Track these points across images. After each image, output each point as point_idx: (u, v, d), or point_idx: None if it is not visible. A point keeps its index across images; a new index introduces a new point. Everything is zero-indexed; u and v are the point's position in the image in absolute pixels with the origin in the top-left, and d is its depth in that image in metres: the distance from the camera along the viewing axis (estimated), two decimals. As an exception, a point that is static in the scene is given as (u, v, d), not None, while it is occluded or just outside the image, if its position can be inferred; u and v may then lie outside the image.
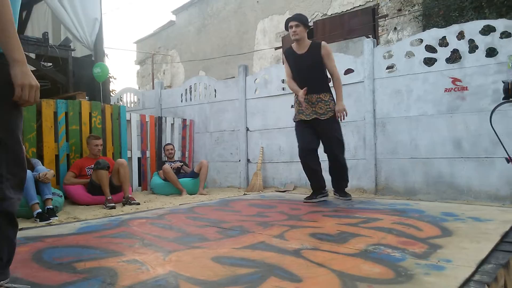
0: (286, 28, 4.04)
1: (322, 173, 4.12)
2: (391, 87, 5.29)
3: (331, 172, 4.17)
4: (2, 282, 1.49)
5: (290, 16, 4.17)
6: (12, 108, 1.51)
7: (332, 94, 4.07)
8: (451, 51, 4.92)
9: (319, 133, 4.02)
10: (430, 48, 5.07)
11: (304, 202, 4.03)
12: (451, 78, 4.85)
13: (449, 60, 4.95)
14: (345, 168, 4.15)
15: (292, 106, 6.15)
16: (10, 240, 1.50)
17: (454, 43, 4.88)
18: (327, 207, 3.78)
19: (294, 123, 4.17)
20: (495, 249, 2.16)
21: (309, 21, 4.04)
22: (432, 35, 5.08)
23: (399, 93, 5.23)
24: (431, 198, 4.67)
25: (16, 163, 1.53)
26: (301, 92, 3.85)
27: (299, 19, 3.95)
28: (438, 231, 2.65)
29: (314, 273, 1.84)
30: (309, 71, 3.98)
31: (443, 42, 5.02)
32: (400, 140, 5.19)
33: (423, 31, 6.54)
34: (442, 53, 4.95)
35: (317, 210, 3.64)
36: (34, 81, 1.48)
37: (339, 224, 2.93)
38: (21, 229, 3.13)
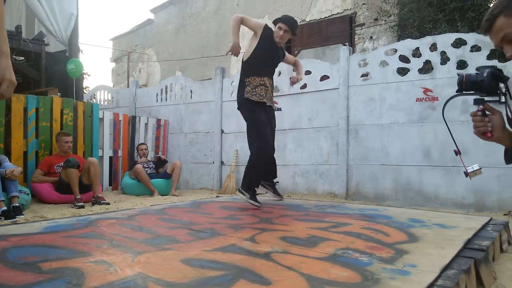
0: (275, 23, 3.96)
1: None
2: (365, 95, 5.40)
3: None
4: None
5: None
6: None
7: None
8: (423, 62, 5.06)
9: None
10: (404, 58, 5.20)
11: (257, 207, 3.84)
12: (423, 88, 4.99)
13: (421, 71, 5.09)
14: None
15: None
16: None
17: (427, 54, 5.03)
18: (299, 211, 3.81)
19: (249, 104, 3.89)
20: (458, 255, 2.23)
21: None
22: (406, 46, 5.21)
23: (373, 101, 5.34)
24: (399, 204, 4.78)
25: None
26: (235, 48, 3.86)
27: (293, 27, 3.91)
28: (405, 236, 2.71)
29: (283, 276, 1.86)
30: (275, 60, 4.06)
31: (417, 53, 5.16)
32: (372, 146, 5.29)
33: (398, 41, 6.70)
34: (415, 64, 5.09)
35: (288, 214, 3.67)
36: (14, 77, 1.45)
37: (309, 228, 2.96)
38: (-17, 227, 3.04)
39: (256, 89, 3.81)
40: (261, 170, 3.96)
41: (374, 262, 2.08)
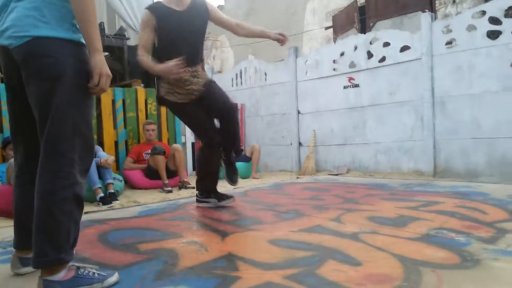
0: None
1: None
2: (451, 64, 5.00)
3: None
4: (71, 263, 1.57)
5: None
6: (88, 96, 1.59)
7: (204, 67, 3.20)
8: (518, 22, 4.55)
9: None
10: (493, 21, 4.71)
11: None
12: (519, 51, 4.50)
13: (516, 32, 4.58)
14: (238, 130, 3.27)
15: (344, 87, 6.03)
16: (77, 222, 1.59)
17: (522, 13, 4.51)
18: (384, 190, 3.68)
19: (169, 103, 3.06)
20: None
21: None
22: (496, 6, 4.71)
23: (460, 70, 4.93)
24: (495, 181, 4.40)
25: (87, 149, 1.61)
26: (174, 64, 2.64)
27: None
28: (505, 214, 2.50)
29: (374, 257, 1.80)
30: (193, 35, 2.93)
31: (509, 13, 4.65)
32: (461, 119, 4.91)
33: (485, 2, 6.10)
34: (508, 25, 4.59)
35: (373, 193, 3.56)
36: (109, 71, 1.57)
37: (397, 207, 2.84)
38: (86, 212, 3.32)
39: (173, 87, 2.94)
40: (212, 172, 3.31)
41: (472, 242, 1.94)
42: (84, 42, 1.55)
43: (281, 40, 3.09)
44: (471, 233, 2.09)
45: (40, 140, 1.53)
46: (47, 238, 1.47)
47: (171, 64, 2.63)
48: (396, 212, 2.69)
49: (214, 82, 3.13)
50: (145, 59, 2.79)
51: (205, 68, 3.21)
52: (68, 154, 1.51)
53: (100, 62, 1.53)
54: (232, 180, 3.25)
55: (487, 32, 4.75)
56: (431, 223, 2.33)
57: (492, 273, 1.57)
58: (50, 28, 1.48)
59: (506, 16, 4.64)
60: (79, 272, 1.57)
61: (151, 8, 2.91)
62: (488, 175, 4.64)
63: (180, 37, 2.87)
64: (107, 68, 1.56)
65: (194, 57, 2.94)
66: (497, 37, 4.69)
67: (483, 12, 4.83)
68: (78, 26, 1.53)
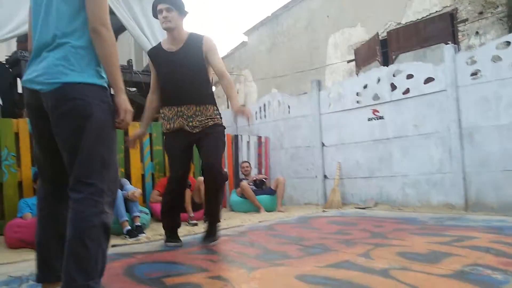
0: (155, 15, 3.07)
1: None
2: (477, 95, 4.93)
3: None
4: None
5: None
6: (114, 132, 1.76)
7: (218, 108, 3.17)
8: (545, 52, 4.49)
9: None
10: (520, 51, 4.67)
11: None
12: (548, 80, 4.41)
13: (543, 62, 4.51)
14: (220, 196, 3.18)
15: (369, 119, 6.01)
16: (104, 251, 1.66)
17: (548, 43, 4.46)
18: (414, 225, 3.58)
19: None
20: None
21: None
22: (522, 37, 4.68)
23: (487, 101, 4.86)
24: (531, 214, 4.23)
25: (114, 182, 1.74)
26: (132, 139, 3.14)
27: (171, 1, 2.95)
28: (545, 250, 2.39)
29: (407, 295, 1.74)
30: (186, 73, 2.99)
31: (535, 43, 4.61)
32: (491, 150, 4.79)
33: (509, 33, 6.06)
34: (535, 55, 4.53)
35: (402, 227, 3.47)
36: (130, 107, 1.77)
37: (429, 242, 2.76)
38: (113, 245, 3.35)
39: (165, 119, 3.15)
40: (165, 211, 3.18)
41: (510, 280, 1.85)
42: (106, 86, 1.74)
43: (239, 116, 2.99)
44: (509, 270, 2.00)
45: (69, 173, 1.65)
46: (76, 264, 1.53)
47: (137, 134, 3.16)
48: (427, 247, 2.60)
49: (215, 133, 3.03)
50: (147, 103, 3.22)
51: (213, 106, 3.11)
52: (98, 184, 1.63)
53: (124, 100, 1.73)
54: (206, 240, 3.14)
55: (513, 62, 4.69)
56: (465, 259, 2.25)
57: (534, 313, 1.49)
58: (78, 74, 1.66)
59: (532, 46, 4.60)
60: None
61: (149, 52, 3.18)
62: (523, 209, 4.46)
63: (172, 78, 3.00)
64: (129, 105, 1.76)
65: (188, 96, 3.00)
66: (523, 67, 4.63)
67: (508, 43, 4.80)
68: (100, 72, 1.72)
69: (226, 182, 6.71)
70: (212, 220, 3.18)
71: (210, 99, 3.10)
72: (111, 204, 1.70)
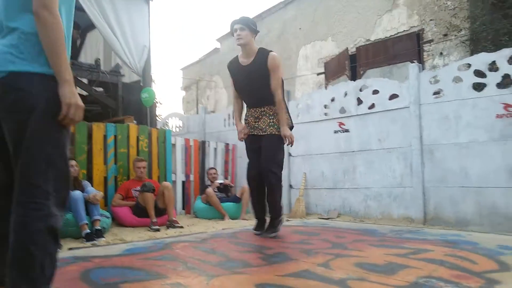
0: (232, 33, 3.62)
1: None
2: (439, 113, 5.13)
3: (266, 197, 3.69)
4: None
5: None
6: (61, 127, 1.58)
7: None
8: (502, 76, 4.73)
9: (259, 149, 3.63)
10: (479, 73, 4.90)
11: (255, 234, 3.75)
12: (503, 104, 4.64)
13: (500, 86, 4.75)
14: (275, 193, 3.59)
15: (335, 132, 6.12)
16: (53, 256, 1.54)
17: (504, 68, 4.69)
18: (374, 236, 3.66)
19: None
20: (560, 288, 2.00)
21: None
22: (481, 60, 4.91)
23: (447, 119, 5.05)
24: (485, 230, 4.41)
25: (62, 181, 1.59)
26: (239, 134, 3.75)
27: (244, 21, 3.53)
28: (495, 265, 2.49)
29: (362, 305, 1.77)
30: (254, 83, 3.55)
31: (493, 67, 4.84)
32: (450, 168, 4.98)
33: (471, 55, 6.34)
34: (493, 78, 4.76)
35: (362, 239, 3.53)
36: (80, 102, 1.58)
37: (386, 254, 2.82)
38: (70, 248, 3.25)
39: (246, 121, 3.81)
40: (253, 198, 3.87)
41: (461, 293, 1.92)
42: (50, 75, 1.56)
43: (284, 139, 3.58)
44: (460, 283, 2.08)
45: (15, 172, 1.52)
46: (20, 272, 1.44)
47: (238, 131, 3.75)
48: (385, 259, 2.66)
49: (273, 136, 3.55)
50: (234, 107, 3.89)
51: (266, 112, 3.62)
52: (42, 185, 1.50)
53: (69, 92, 1.54)
54: (267, 232, 3.64)
55: (473, 84, 4.92)
56: (420, 271, 2.32)
57: (481, 325, 1.55)
58: (27, 63, 1.52)
59: (490, 70, 4.83)
60: (57, 311, 1.51)
61: (228, 65, 3.81)
62: (478, 224, 4.65)
63: (244, 87, 3.68)
64: (78, 99, 1.57)
65: (256, 101, 3.62)
66: (482, 89, 4.85)
67: (469, 65, 5.02)
68: (44, 60, 1.55)
69: (192, 188, 6.67)
70: (274, 216, 3.63)
71: (272, 101, 3.57)
72: (61, 205, 1.57)
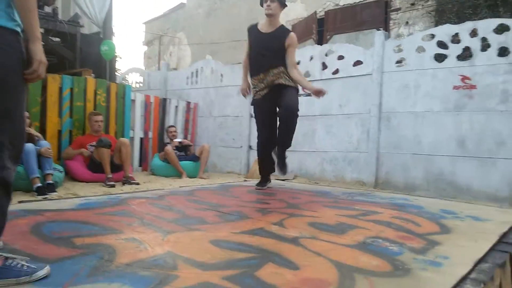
0: (261, 3, 3.93)
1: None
2: (399, 82, 5.25)
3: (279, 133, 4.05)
4: (1, 253, 1.50)
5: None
6: (23, 82, 1.60)
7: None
8: (462, 48, 4.86)
9: (277, 102, 3.92)
10: (441, 44, 5.01)
11: (257, 189, 4.15)
12: (461, 76, 4.81)
13: (460, 58, 4.89)
14: (291, 133, 4.01)
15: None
16: (4, 209, 1.52)
17: (466, 41, 4.83)
18: (327, 198, 3.78)
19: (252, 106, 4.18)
20: (492, 249, 2.16)
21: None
22: (444, 31, 5.02)
23: (407, 88, 5.19)
24: (430, 195, 4.67)
25: (18, 134, 1.58)
26: (243, 91, 4.18)
27: None
28: (437, 227, 2.65)
29: (312, 262, 1.85)
30: (270, 50, 3.87)
31: (455, 39, 4.96)
32: (404, 135, 5.17)
33: (435, 26, 6.46)
34: (454, 50, 4.90)
35: (316, 200, 3.64)
36: (45, 58, 1.62)
37: (338, 215, 2.93)
38: (20, 201, 3.15)
39: (254, 89, 4.05)
40: (263, 160, 4.23)
41: (404, 252, 2.04)
42: (17, 30, 1.56)
43: (318, 94, 3.85)
44: (404, 243, 2.20)
45: None
46: None
47: (242, 88, 4.22)
48: (337, 219, 2.77)
49: (289, 87, 3.85)
50: (244, 64, 4.14)
51: (282, 71, 3.88)
52: None
53: (40, 50, 1.59)
54: (281, 170, 4.09)
55: (435, 54, 5.03)
56: (368, 232, 2.42)
57: (420, 282, 1.66)
58: None
59: (452, 41, 4.95)
60: (6, 263, 1.49)
61: (248, 28, 4.09)
62: (425, 190, 4.91)
63: (260, 51, 3.91)
64: (44, 56, 1.61)
65: (267, 66, 3.87)
66: (443, 60, 4.99)
67: (432, 36, 5.12)
68: (11, 14, 1.53)
69: (150, 146, 6.58)
70: (286, 148, 4.07)
71: (283, 65, 3.88)
72: (14, 159, 1.55)
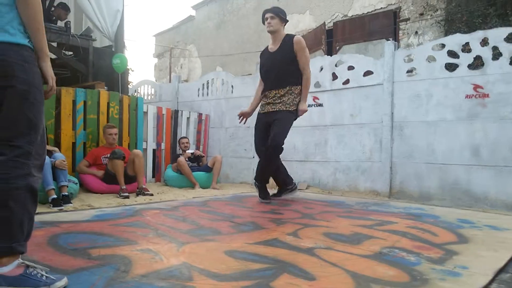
0: (263, 21, 4.07)
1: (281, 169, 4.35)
2: (411, 91, 5.22)
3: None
4: (22, 260, 1.54)
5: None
6: (42, 95, 1.68)
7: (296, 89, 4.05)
8: (473, 58, 4.83)
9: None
10: (452, 54, 4.98)
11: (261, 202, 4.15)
12: (473, 84, 4.76)
13: (471, 67, 4.86)
14: (268, 171, 4.21)
15: (309, 106, 6.13)
16: (31, 214, 1.59)
17: (477, 50, 4.79)
18: (341, 208, 3.76)
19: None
20: (513, 259, 2.12)
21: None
22: (454, 41, 4.99)
23: (419, 97, 5.16)
24: (446, 204, 4.61)
25: (42, 146, 1.67)
26: (242, 112, 4.36)
27: (275, 11, 4.02)
28: (454, 237, 2.61)
29: (328, 272, 1.83)
30: (279, 67, 3.96)
31: (466, 48, 4.93)
32: (417, 144, 5.12)
33: (445, 36, 6.44)
34: (465, 59, 4.86)
35: (330, 210, 3.62)
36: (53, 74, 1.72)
37: (353, 225, 2.91)
38: (37, 213, 3.18)
39: (262, 101, 4.24)
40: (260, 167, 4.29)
41: (422, 262, 2.01)
42: (31, 47, 1.62)
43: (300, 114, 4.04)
44: (421, 253, 2.17)
45: None
46: None
47: (243, 111, 4.41)
48: (351, 229, 2.75)
49: (286, 113, 3.92)
50: (255, 96, 4.41)
51: (288, 91, 3.98)
52: (24, 146, 1.56)
53: (50, 66, 1.68)
54: (259, 196, 4.21)
55: (445, 64, 5.01)
56: (384, 242, 2.40)
57: (438, 292, 1.63)
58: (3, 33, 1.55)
59: (463, 51, 4.92)
60: (27, 271, 1.52)
61: (260, 55, 4.31)
62: (440, 199, 4.84)
63: (269, 69, 4.03)
64: (52, 71, 1.70)
65: (276, 83, 3.98)
66: (454, 69, 4.96)
67: (443, 45, 5.10)
68: (25, 32, 1.60)
69: (163, 157, 6.62)
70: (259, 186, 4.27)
71: (297, 82, 3.98)
72: (39, 168, 1.64)
